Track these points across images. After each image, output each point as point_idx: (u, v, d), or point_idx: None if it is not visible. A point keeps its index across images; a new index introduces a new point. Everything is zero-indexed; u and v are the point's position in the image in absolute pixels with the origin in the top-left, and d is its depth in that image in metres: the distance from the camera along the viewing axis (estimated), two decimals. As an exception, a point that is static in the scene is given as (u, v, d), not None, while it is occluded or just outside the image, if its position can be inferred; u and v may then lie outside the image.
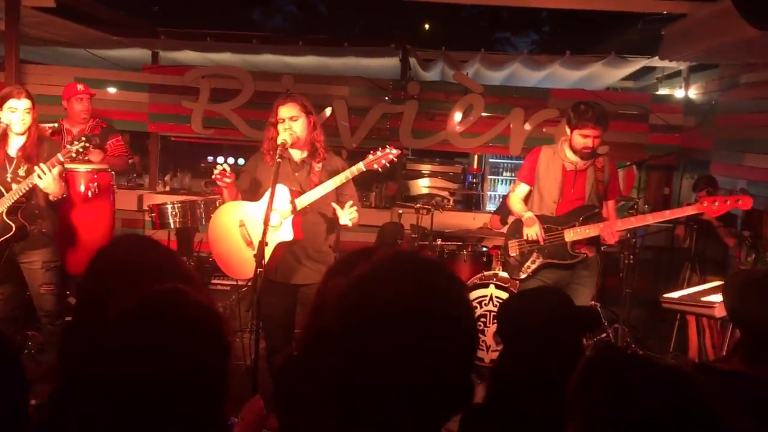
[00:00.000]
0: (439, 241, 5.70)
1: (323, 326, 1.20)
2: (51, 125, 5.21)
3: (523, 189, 4.06)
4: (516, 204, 4.05)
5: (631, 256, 5.63)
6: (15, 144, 3.94)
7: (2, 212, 3.83)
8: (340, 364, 1.01)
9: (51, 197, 3.92)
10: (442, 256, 5.64)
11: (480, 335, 5.00)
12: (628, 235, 5.68)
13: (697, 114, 6.83)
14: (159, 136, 7.62)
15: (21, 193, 3.80)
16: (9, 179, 3.86)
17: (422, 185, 8.15)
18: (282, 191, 3.52)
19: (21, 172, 3.87)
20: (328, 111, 7.05)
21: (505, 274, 5.06)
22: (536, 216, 3.92)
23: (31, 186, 3.80)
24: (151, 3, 14.59)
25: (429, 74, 7.70)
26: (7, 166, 3.89)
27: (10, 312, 4.14)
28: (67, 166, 4.32)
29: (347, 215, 3.51)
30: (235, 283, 5.69)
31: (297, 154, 3.71)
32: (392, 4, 11.65)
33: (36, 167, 3.76)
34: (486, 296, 5.02)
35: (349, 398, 1.01)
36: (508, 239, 4.09)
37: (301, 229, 3.60)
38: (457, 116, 7.04)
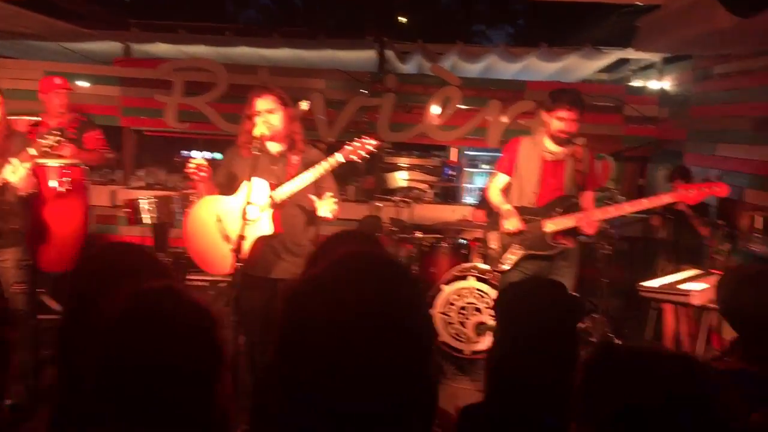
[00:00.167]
0: (418, 234, 5.69)
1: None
2: (34, 119, 5.12)
3: (502, 180, 4.06)
4: (495, 195, 4.05)
5: (609, 247, 5.67)
6: None
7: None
8: (282, 364, 0.99)
9: (22, 193, 3.83)
10: (422, 249, 5.63)
11: (461, 327, 5.01)
12: (606, 226, 5.73)
13: (671, 105, 6.90)
14: (132, 130, 7.51)
15: None
16: None
17: (400, 178, 8.13)
18: (260, 184, 3.48)
19: None
20: (304, 104, 6.95)
21: (484, 266, 5.07)
22: (515, 207, 3.92)
23: (2, 182, 3.71)
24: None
25: (406, 67, 7.67)
26: None
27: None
28: (38, 161, 4.23)
29: (326, 206, 3.48)
30: (212, 278, 5.62)
31: (274, 147, 3.67)
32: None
33: (8, 163, 3.68)
34: (466, 288, 5.03)
35: (295, 401, 0.98)
36: (488, 231, 4.09)
37: (280, 223, 3.56)
38: (435, 109, 7.03)
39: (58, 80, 5.28)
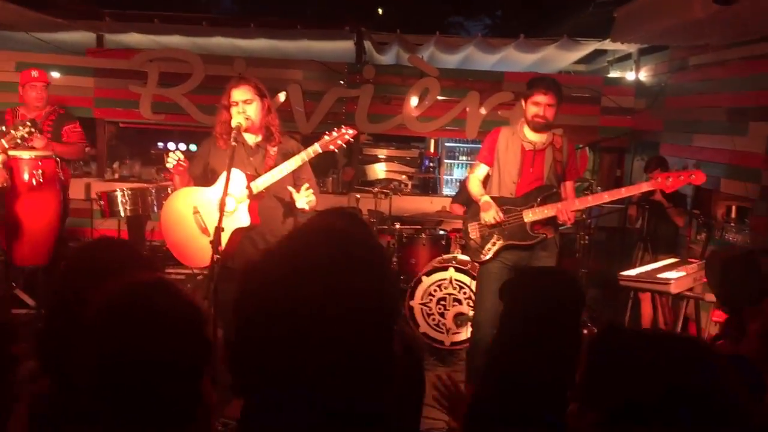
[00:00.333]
0: (397, 225, 5.68)
1: None
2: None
3: (482, 170, 4.06)
4: (474, 186, 4.04)
5: (587, 237, 5.71)
6: None
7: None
8: (240, 340, 0.96)
9: None
10: (401, 241, 5.62)
11: (440, 318, 5.02)
12: (584, 216, 5.76)
13: (648, 96, 6.95)
14: (107, 122, 7.39)
15: None
16: None
17: (379, 170, 8.11)
18: (237, 176, 3.43)
19: None
20: (282, 95, 6.93)
21: (464, 257, 5.08)
22: (495, 198, 3.92)
23: None
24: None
25: (384, 58, 7.63)
26: None
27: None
28: (10, 152, 4.15)
29: (303, 198, 3.45)
30: (190, 271, 5.55)
31: (251, 138, 3.63)
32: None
33: None
34: (445, 279, 5.03)
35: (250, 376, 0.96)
36: (468, 222, 4.09)
37: (258, 214, 3.52)
38: (413, 100, 7.01)
39: (35, 73, 5.24)
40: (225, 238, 3.31)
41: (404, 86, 7.03)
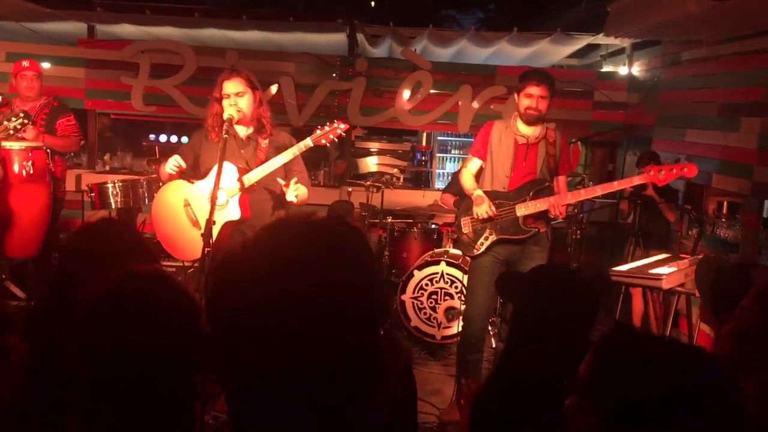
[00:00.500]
0: (389, 219, 5.67)
1: None
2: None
3: (475, 164, 4.05)
4: (467, 180, 4.03)
5: (578, 231, 5.72)
6: None
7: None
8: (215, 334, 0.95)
9: None
10: (393, 235, 5.62)
11: (431, 312, 5.02)
12: (575, 210, 5.77)
13: (640, 91, 6.95)
14: (98, 113, 7.34)
15: None
16: None
17: (371, 163, 8.10)
18: (228, 169, 3.41)
19: None
20: (274, 88, 6.90)
21: (456, 251, 5.08)
22: (487, 192, 3.91)
23: None
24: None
25: (377, 51, 7.60)
26: None
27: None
28: (2, 143, 4.12)
29: (292, 192, 3.43)
30: (180, 264, 5.53)
31: (243, 131, 3.61)
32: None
33: None
34: (437, 273, 5.03)
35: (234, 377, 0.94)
36: (461, 217, 4.08)
37: (249, 207, 3.51)
38: (406, 93, 6.99)
39: (25, 62, 5.24)
40: (215, 231, 3.29)
41: (397, 79, 7.01)
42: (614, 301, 5.62)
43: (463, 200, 4.21)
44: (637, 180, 3.91)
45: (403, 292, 5.07)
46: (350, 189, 6.40)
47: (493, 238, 3.90)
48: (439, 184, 8.42)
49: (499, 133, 3.96)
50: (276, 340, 0.89)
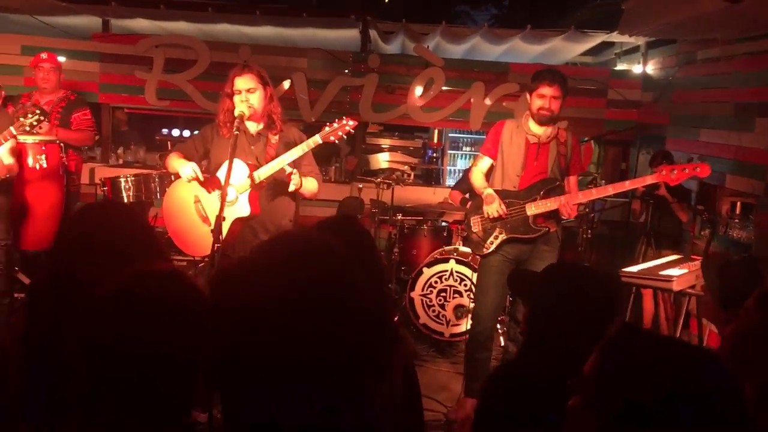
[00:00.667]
0: (399, 216, 5.67)
1: None
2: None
3: (485, 163, 4.04)
4: (477, 179, 4.02)
5: (589, 231, 5.70)
6: None
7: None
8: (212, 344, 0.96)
9: None
10: (403, 231, 5.62)
11: (440, 309, 5.02)
12: (587, 210, 5.74)
13: (654, 90, 6.90)
14: (112, 107, 7.39)
15: None
16: None
17: (382, 159, 8.09)
18: (238, 165, 3.42)
19: None
20: (286, 83, 6.91)
21: (465, 249, 5.08)
22: (498, 191, 3.90)
23: None
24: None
25: (389, 47, 7.60)
26: None
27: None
28: (19, 138, 4.16)
29: (293, 184, 3.43)
30: (192, 259, 5.56)
31: (253, 127, 3.62)
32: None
33: None
34: (446, 271, 5.03)
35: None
36: (471, 215, 4.07)
37: (258, 204, 3.52)
38: (418, 90, 6.98)
39: (43, 55, 5.34)
40: (225, 227, 3.31)
41: (409, 76, 7.00)
42: (624, 301, 5.63)
43: (471, 198, 4.20)
44: (649, 179, 3.88)
45: (412, 289, 5.07)
46: (361, 185, 6.40)
47: (503, 237, 3.89)
48: (450, 182, 8.39)
49: (510, 132, 3.95)
50: (274, 338, 0.90)
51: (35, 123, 3.74)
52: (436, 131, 8.83)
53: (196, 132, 4.05)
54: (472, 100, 6.95)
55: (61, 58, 6.84)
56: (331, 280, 0.97)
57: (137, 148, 7.60)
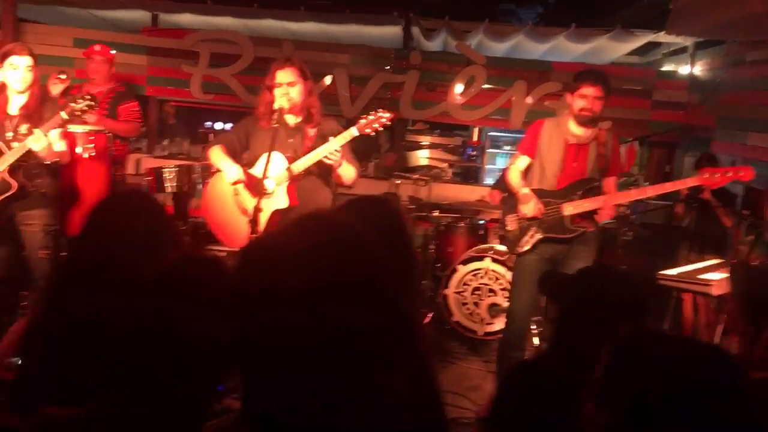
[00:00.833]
0: (435, 213, 5.67)
1: None
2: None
3: (523, 161, 4.01)
4: (514, 177, 4.00)
5: (630, 233, 5.61)
6: (16, 102, 3.90)
7: (3, 170, 3.81)
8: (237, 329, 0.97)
9: (48, 161, 3.88)
10: (439, 228, 5.62)
11: (474, 308, 5.01)
12: (627, 211, 5.66)
13: (702, 91, 6.75)
14: (159, 100, 7.56)
15: (21, 153, 3.77)
16: (10, 137, 3.83)
17: (421, 156, 8.10)
18: (276, 158, 3.48)
19: (22, 130, 3.83)
20: (328, 79, 6.97)
21: (501, 248, 5.05)
22: (534, 190, 3.87)
23: (27, 148, 3.77)
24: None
25: (431, 44, 7.59)
26: (8, 124, 3.85)
27: (7, 273, 4.13)
28: (67, 126, 4.29)
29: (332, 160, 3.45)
30: (231, 250, 5.66)
31: (291, 119, 3.66)
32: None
33: (35, 130, 3.72)
34: (481, 269, 5.02)
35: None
36: (506, 213, 4.05)
37: (296, 196, 3.57)
38: (459, 88, 6.96)
39: (97, 47, 5.52)
40: (263, 219, 3.37)
41: (450, 73, 6.98)
42: (665, 307, 5.53)
43: (510, 197, 4.18)
44: (690, 182, 3.81)
45: (447, 286, 5.08)
46: (398, 181, 6.42)
47: (538, 236, 3.86)
48: (489, 180, 8.35)
49: (549, 131, 3.91)
50: (295, 320, 0.92)
51: (86, 108, 3.85)
52: (476, 129, 8.79)
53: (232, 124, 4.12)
54: (513, 98, 6.91)
55: (111, 51, 7.05)
56: (356, 270, 0.98)
57: (182, 140, 7.76)
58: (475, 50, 7.12)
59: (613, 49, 7.43)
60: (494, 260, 4.99)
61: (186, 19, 7.52)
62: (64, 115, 3.78)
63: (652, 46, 7.62)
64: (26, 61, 3.84)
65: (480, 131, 8.84)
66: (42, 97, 4.01)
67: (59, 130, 3.88)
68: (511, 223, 3.98)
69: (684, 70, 7.15)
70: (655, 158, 7.66)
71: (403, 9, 7.03)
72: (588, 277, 2.02)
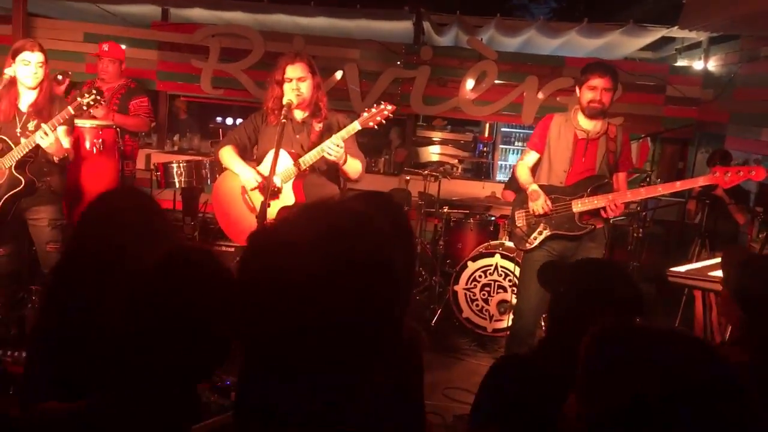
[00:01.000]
0: (445, 209, 5.65)
1: None
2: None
3: (532, 157, 3.98)
4: (523, 173, 3.97)
5: (640, 230, 5.56)
6: (26, 98, 3.92)
7: (11, 166, 3.82)
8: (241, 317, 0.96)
9: (55, 158, 3.89)
10: (449, 225, 5.59)
11: (484, 304, 4.98)
12: (638, 208, 5.61)
13: (716, 87, 6.68)
14: (169, 95, 7.57)
15: (29, 148, 3.79)
16: (18, 133, 3.85)
17: (432, 152, 8.07)
18: (281, 155, 3.46)
19: (30, 126, 3.85)
20: (338, 74, 6.95)
21: (511, 244, 5.01)
22: (544, 186, 3.84)
23: (35, 144, 3.78)
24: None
25: (442, 39, 7.55)
26: (17, 120, 3.87)
27: (15, 268, 4.15)
28: (75, 121, 4.31)
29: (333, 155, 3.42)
30: (239, 246, 5.67)
31: (299, 115, 3.65)
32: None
33: (42, 125, 3.73)
34: (491, 265, 4.99)
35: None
36: (515, 209, 4.02)
37: (303, 192, 3.56)
38: (470, 83, 6.92)
39: (105, 46, 5.49)
40: (270, 217, 3.36)
41: (461, 69, 6.94)
42: (676, 304, 5.48)
43: (520, 194, 4.15)
44: (701, 181, 3.77)
45: (456, 282, 5.05)
46: (408, 177, 6.39)
47: (547, 233, 3.83)
48: (501, 176, 8.32)
49: (559, 126, 3.88)
50: (297, 303, 0.90)
51: (92, 102, 3.86)
52: (487, 125, 8.75)
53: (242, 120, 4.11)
54: (524, 94, 6.86)
55: (122, 46, 7.07)
56: (370, 255, 0.96)
57: (192, 136, 7.78)
58: (487, 45, 7.07)
59: (626, 44, 7.35)
60: (504, 257, 4.96)
61: (196, 13, 7.52)
62: (71, 109, 3.79)
63: (666, 41, 7.54)
64: (38, 57, 3.85)
65: (492, 127, 8.80)
66: (52, 94, 4.03)
67: (65, 127, 3.89)
68: (520, 219, 3.96)
69: (698, 65, 7.07)
70: (668, 154, 7.59)
71: (414, 4, 6.99)
72: (582, 269, 2.00)
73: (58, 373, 1.58)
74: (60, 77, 5.09)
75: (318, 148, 3.46)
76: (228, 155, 3.70)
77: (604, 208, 3.71)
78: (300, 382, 0.92)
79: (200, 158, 5.75)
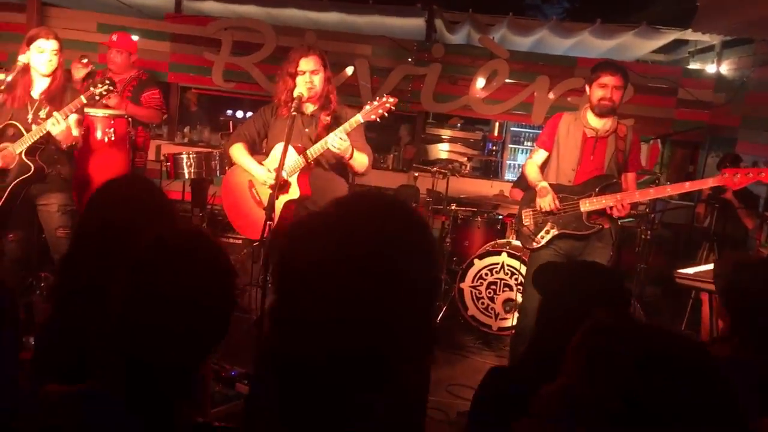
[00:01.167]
0: (453, 206, 5.65)
1: None
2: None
3: (541, 155, 3.97)
4: (532, 171, 3.97)
5: (649, 232, 5.54)
6: (39, 86, 3.94)
7: (21, 152, 3.85)
8: (280, 303, 0.97)
9: (63, 146, 3.92)
10: (456, 222, 5.60)
11: (489, 302, 4.99)
12: (646, 210, 5.60)
13: (728, 90, 6.64)
14: (181, 87, 7.60)
15: (40, 135, 3.81)
16: (30, 120, 3.87)
17: (441, 150, 8.07)
18: (288, 150, 3.46)
19: (42, 114, 3.87)
20: (349, 70, 6.96)
21: (518, 243, 5.01)
22: (552, 185, 3.84)
23: (46, 131, 3.80)
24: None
25: (454, 37, 7.54)
26: (29, 107, 3.90)
27: (24, 254, 4.18)
28: (86, 110, 4.33)
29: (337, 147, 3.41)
30: (246, 238, 5.69)
31: (309, 107, 3.66)
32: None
33: (54, 113, 3.76)
34: (498, 264, 4.99)
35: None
36: (522, 208, 4.02)
37: (309, 185, 3.57)
38: (481, 81, 6.91)
39: (114, 37, 5.51)
40: (277, 210, 3.38)
41: (472, 67, 6.93)
42: (682, 308, 5.46)
43: (528, 192, 4.15)
44: (710, 182, 3.76)
45: (462, 280, 5.06)
46: (417, 174, 6.40)
47: (554, 232, 3.83)
48: (509, 176, 8.31)
49: (568, 125, 3.87)
50: (335, 296, 0.91)
51: (104, 92, 3.89)
52: (497, 124, 8.73)
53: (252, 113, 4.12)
54: (535, 93, 6.84)
55: (134, 37, 7.08)
56: (413, 242, 0.97)
57: (202, 128, 7.80)
58: (499, 44, 7.06)
59: (639, 46, 7.33)
60: (511, 255, 4.96)
61: (209, 6, 7.54)
62: (83, 98, 3.81)
63: (679, 43, 7.51)
64: (52, 44, 3.88)
65: (501, 126, 8.78)
66: (65, 82, 4.06)
67: (77, 116, 3.91)
68: (527, 218, 3.95)
69: (710, 69, 7.04)
70: (678, 158, 7.56)
71: (427, 1, 6.99)
72: (567, 270, 2.01)
73: (66, 360, 1.60)
74: (85, 60, 5.14)
75: (322, 141, 3.46)
76: (239, 153, 3.73)
77: (611, 207, 3.71)
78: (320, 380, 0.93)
79: (210, 150, 5.78)
